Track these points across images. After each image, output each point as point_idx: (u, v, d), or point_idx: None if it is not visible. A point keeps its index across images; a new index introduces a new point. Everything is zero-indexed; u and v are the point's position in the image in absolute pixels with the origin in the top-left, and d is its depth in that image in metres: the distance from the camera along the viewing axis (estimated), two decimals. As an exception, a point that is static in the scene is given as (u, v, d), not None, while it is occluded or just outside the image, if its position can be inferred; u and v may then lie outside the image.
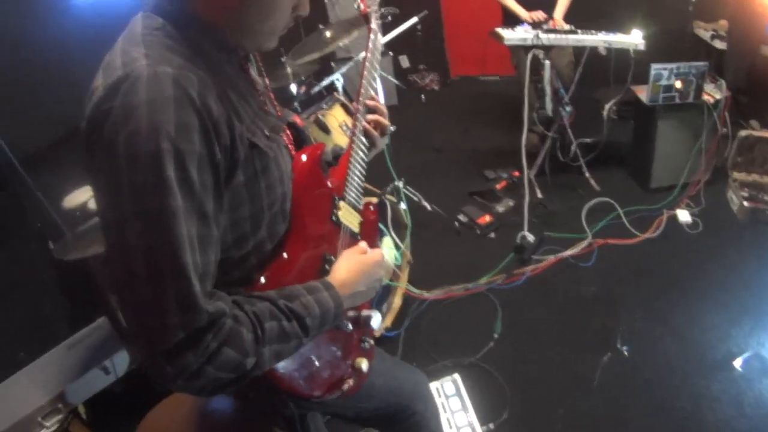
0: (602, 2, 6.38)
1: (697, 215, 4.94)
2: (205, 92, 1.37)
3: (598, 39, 4.99)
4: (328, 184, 1.92)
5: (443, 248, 5.11)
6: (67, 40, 3.57)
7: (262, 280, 1.64)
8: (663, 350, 3.78)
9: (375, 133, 2.16)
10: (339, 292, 1.69)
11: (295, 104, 4.94)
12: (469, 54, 8.40)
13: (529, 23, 5.23)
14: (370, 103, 2.17)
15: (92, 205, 3.65)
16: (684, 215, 4.94)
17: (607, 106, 5.57)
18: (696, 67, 4.81)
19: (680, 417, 3.35)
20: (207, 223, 1.38)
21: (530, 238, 4.81)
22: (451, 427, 3.45)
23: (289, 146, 1.85)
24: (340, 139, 4.42)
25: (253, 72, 1.81)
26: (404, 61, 8.76)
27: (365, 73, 2.21)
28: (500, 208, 5.43)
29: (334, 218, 1.92)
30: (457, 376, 3.74)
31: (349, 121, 4.47)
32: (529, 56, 5.00)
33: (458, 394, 3.63)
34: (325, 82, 5.05)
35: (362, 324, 2.02)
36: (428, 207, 5.21)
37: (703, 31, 6.07)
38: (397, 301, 4.18)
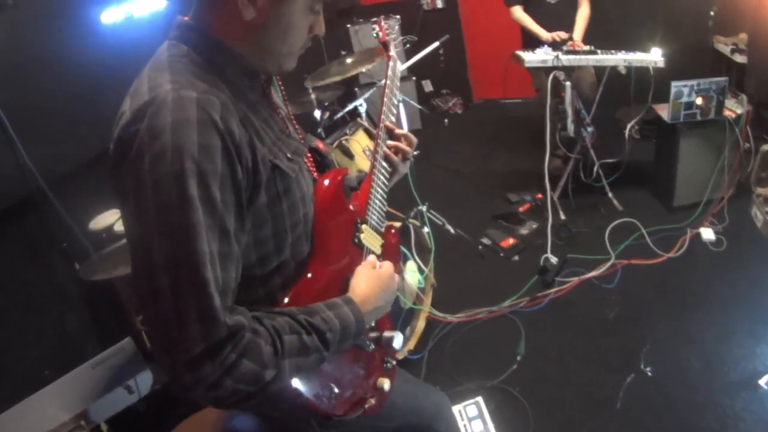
0: (621, 22, 6.37)
1: (720, 233, 4.91)
2: (228, 116, 1.43)
3: (618, 58, 5.01)
4: (351, 207, 1.97)
5: (467, 271, 5.11)
6: (94, 64, 3.63)
7: (286, 300, 1.68)
8: (687, 370, 3.74)
9: (395, 159, 2.21)
10: (360, 308, 1.72)
11: (319, 130, 4.97)
12: (492, 77, 8.39)
13: (550, 44, 5.24)
14: (389, 125, 2.22)
15: (118, 227, 3.70)
16: (708, 233, 4.90)
17: (628, 126, 5.54)
18: (716, 83, 4.80)
19: (705, 437, 3.31)
20: (228, 241, 1.43)
21: (553, 260, 4.81)
22: None
23: (312, 170, 1.90)
24: (364, 164, 4.45)
25: (276, 98, 1.85)
26: (427, 86, 8.80)
27: (385, 99, 2.28)
28: (524, 231, 5.43)
29: (356, 241, 1.96)
30: (479, 399, 3.73)
31: (372, 146, 4.49)
32: (550, 78, 5.01)
33: (481, 416, 3.62)
34: (349, 107, 5.08)
35: (384, 344, 2.04)
36: (452, 230, 5.20)
37: (723, 46, 6.03)
38: (420, 324, 4.19)
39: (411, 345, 4.08)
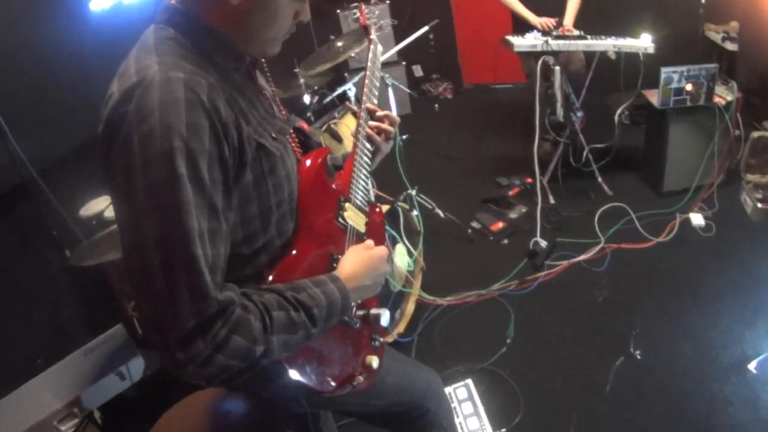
0: (611, 7, 6.37)
1: (710, 218, 4.92)
2: (215, 96, 1.46)
3: (608, 44, 5.01)
4: (333, 186, 2.01)
5: (456, 255, 5.12)
6: (83, 52, 3.63)
7: (272, 277, 1.70)
8: (676, 353, 3.76)
9: (378, 139, 2.26)
10: (345, 285, 1.75)
11: (309, 114, 4.96)
12: (482, 62, 8.39)
13: (539, 30, 5.25)
14: (370, 107, 2.28)
15: (108, 213, 3.70)
16: (697, 218, 4.92)
17: (618, 111, 5.55)
18: (706, 69, 4.81)
19: (694, 420, 3.33)
20: (217, 218, 1.46)
21: (543, 243, 4.82)
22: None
23: (296, 149, 1.94)
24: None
25: (261, 80, 1.89)
26: (417, 71, 8.79)
27: (366, 81, 2.36)
28: (513, 215, 5.44)
29: (340, 219, 2.00)
30: (469, 381, 3.75)
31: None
32: (540, 62, 5.02)
33: (471, 398, 3.64)
34: (338, 91, 5.08)
35: (372, 322, 2.07)
36: (441, 214, 5.22)
37: (714, 34, 6.04)
38: (410, 308, 4.21)
39: (401, 328, 4.09)
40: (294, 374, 1.71)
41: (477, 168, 6.50)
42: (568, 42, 5.04)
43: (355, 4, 2.92)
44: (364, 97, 2.31)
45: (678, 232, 4.85)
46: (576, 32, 5.21)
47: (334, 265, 1.89)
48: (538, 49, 5.02)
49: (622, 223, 5.02)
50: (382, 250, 1.99)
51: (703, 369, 3.62)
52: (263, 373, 1.63)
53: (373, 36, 2.59)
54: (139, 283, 1.39)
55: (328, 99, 5.07)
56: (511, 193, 5.78)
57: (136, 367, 3.50)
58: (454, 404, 3.60)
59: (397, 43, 5.65)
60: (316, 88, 5.48)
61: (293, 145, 1.95)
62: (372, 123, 2.27)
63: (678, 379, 3.58)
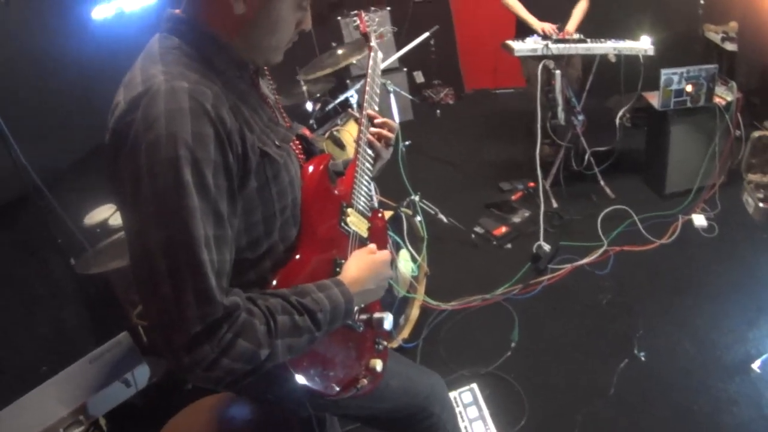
0: (611, 10, 6.36)
1: (712, 219, 4.93)
2: (219, 105, 1.48)
3: (608, 47, 5.03)
4: (336, 192, 2.04)
5: (460, 260, 5.12)
6: (86, 61, 3.66)
7: (276, 281, 1.72)
8: (680, 354, 3.77)
9: (378, 145, 2.28)
10: (349, 289, 1.77)
11: (311, 121, 4.98)
12: (483, 67, 8.44)
13: (540, 35, 5.25)
14: (371, 113, 2.31)
15: (112, 222, 3.73)
16: (699, 219, 4.93)
17: (619, 114, 5.56)
18: (706, 70, 4.82)
19: (698, 421, 3.33)
20: (222, 225, 1.49)
21: (546, 247, 4.83)
22: None
23: (299, 156, 1.96)
24: (355, 153, 4.48)
25: (264, 88, 1.90)
26: (419, 77, 8.81)
27: (367, 88, 2.39)
28: (516, 219, 5.44)
29: (343, 224, 2.02)
30: (474, 385, 3.75)
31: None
32: (540, 66, 5.03)
33: (476, 402, 3.64)
34: (340, 98, 5.09)
35: (375, 326, 2.09)
36: (445, 220, 5.23)
37: (714, 34, 6.04)
38: (414, 313, 4.21)
39: (405, 333, 4.10)
40: (299, 377, 1.72)
41: (479, 173, 6.52)
42: (568, 46, 5.05)
43: (355, 11, 2.95)
44: (365, 104, 2.34)
45: (680, 233, 4.86)
46: (576, 36, 5.22)
47: (338, 269, 1.92)
48: (539, 53, 5.03)
49: (624, 225, 5.03)
50: (385, 254, 2.01)
51: (707, 369, 3.63)
52: (268, 376, 1.64)
53: (373, 43, 2.63)
54: (147, 288, 1.41)
55: (331, 106, 5.08)
56: (513, 197, 5.80)
57: (142, 375, 3.52)
58: (459, 408, 3.60)
59: (398, 49, 5.66)
60: (318, 95, 5.50)
61: (296, 151, 1.97)
62: (373, 129, 2.30)
63: (682, 380, 3.59)
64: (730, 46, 5.78)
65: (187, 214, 1.39)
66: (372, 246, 2.05)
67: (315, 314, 1.63)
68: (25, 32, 3.60)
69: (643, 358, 3.77)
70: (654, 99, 5.10)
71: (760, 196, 4.81)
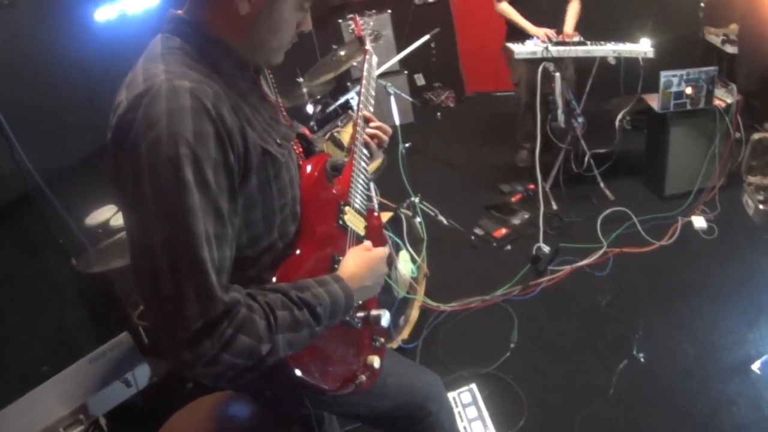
0: (611, 12, 6.39)
1: (712, 221, 4.93)
2: (220, 104, 1.50)
3: (607, 49, 5.05)
4: (334, 191, 2.07)
5: (460, 261, 5.13)
6: (88, 62, 3.68)
7: (275, 278, 1.75)
8: (680, 355, 3.77)
9: (374, 146, 2.35)
10: (349, 285, 1.79)
11: (312, 123, 4.99)
12: (484, 70, 8.39)
13: (541, 40, 5.26)
14: (367, 115, 2.38)
15: (114, 222, 3.74)
16: (699, 221, 4.93)
17: (619, 116, 5.57)
18: (705, 72, 4.83)
19: (698, 422, 3.34)
20: (222, 222, 1.50)
21: (546, 249, 4.84)
22: None
23: (299, 154, 2.00)
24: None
25: (265, 87, 1.93)
26: (419, 80, 8.80)
27: (362, 90, 2.46)
28: (516, 221, 5.44)
29: (340, 222, 2.05)
30: (473, 386, 3.77)
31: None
32: (540, 69, 5.04)
33: (475, 403, 3.65)
34: (340, 101, 5.10)
35: (372, 323, 2.12)
36: (444, 221, 5.24)
37: (714, 37, 6.06)
38: (414, 314, 4.22)
39: (405, 334, 4.11)
40: (297, 373, 1.74)
41: (479, 175, 6.52)
42: (567, 48, 5.07)
43: (351, 15, 3.00)
44: (360, 105, 2.40)
45: (680, 235, 4.87)
46: (576, 38, 5.24)
47: (336, 266, 1.93)
48: (538, 55, 5.04)
49: (624, 227, 5.03)
50: (381, 251, 2.03)
51: (707, 370, 3.63)
52: (268, 372, 1.64)
53: (368, 47, 2.69)
54: (147, 286, 1.43)
55: (331, 108, 5.09)
56: (513, 199, 5.80)
57: (142, 375, 3.54)
58: (459, 409, 3.61)
59: (399, 52, 5.67)
60: (318, 97, 5.51)
61: (296, 150, 2.00)
62: (368, 131, 2.36)
63: (682, 381, 3.59)
64: (730, 49, 5.80)
65: (187, 211, 1.40)
66: (368, 243, 2.07)
67: (315, 309, 1.64)
68: (28, 33, 3.62)
69: (642, 359, 3.78)
70: (654, 101, 5.10)
71: (761, 198, 4.82)
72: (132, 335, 3.73)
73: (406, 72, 8.15)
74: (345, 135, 4.55)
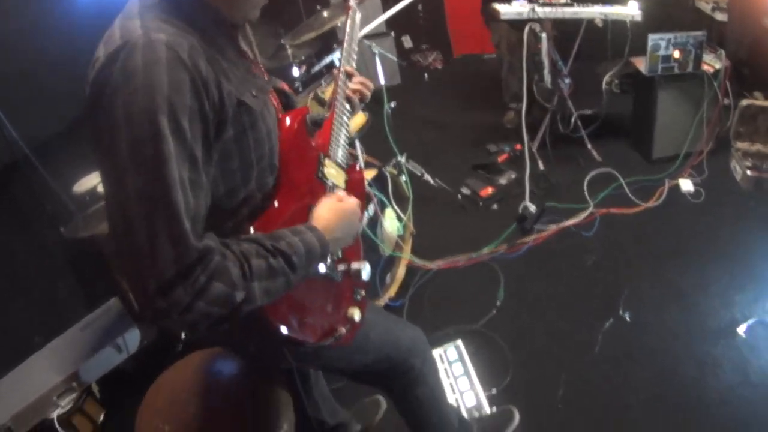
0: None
1: (699, 185, 4.93)
2: (195, 54, 1.50)
3: (594, 11, 5.01)
4: (313, 143, 2.08)
5: (446, 220, 5.15)
6: (71, 31, 3.64)
7: (252, 230, 1.74)
8: (666, 316, 3.79)
9: (356, 100, 2.41)
10: (323, 234, 1.79)
11: (297, 84, 4.97)
12: (471, 32, 8.37)
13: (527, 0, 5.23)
14: (349, 69, 2.41)
15: (101, 189, 3.72)
16: (686, 184, 4.94)
17: (605, 77, 5.57)
18: (694, 37, 4.80)
19: (683, 383, 3.37)
20: (197, 170, 1.50)
21: (532, 208, 4.84)
22: (454, 392, 3.50)
23: (277, 107, 2.00)
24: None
25: (243, 43, 1.92)
26: (407, 42, 8.78)
27: (345, 45, 2.49)
28: (502, 181, 5.42)
29: (320, 174, 2.05)
30: (459, 342, 3.79)
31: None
32: (526, 30, 5.01)
33: (461, 359, 3.68)
34: (325, 60, 5.08)
35: (353, 275, 2.13)
36: (431, 181, 5.24)
37: (704, 4, 6.03)
38: (400, 272, 4.24)
39: (391, 292, 4.12)
40: (276, 325, 1.76)
41: (466, 136, 6.51)
42: (554, 9, 5.03)
43: None
44: (342, 60, 2.42)
45: (667, 197, 4.87)
46: (562, 0, 5.21)
47: None
48: (525, 16, 4.99)
49: (611, 188, 5.03)
50: (354, 201, 2.02)
51: (693, 332, 3.65)
52: (247, 324, 1.66)
53: (352, 3, 2.66)
54: (122, 237, 1.43)
55: (316, 68, 5.08)
56: (500, 159, 5.79)
57: (132, 339, 3.57)
58: (445, 365, 3.64)
59: (385, 11, 5.63)
60: (303, 58, 5.50)
61: (274, 102, 2.00)
62: (351, 85, 2.39)
63: (667, 342, 3.62)
64: (720, 16, 5.77)
65: (162, 158, 1.40)
66: (341, 193, 2.06)
67: (290, 257, 1.64)
68: (10, 3, 3.62)
69: (628, 319, 3.80)
70: (641, 64, 5.10)
71: (748, 164, 4.81)
72: (121, 300, 3.74)
73: (393, 34, 8.10)
74: (328, 93, 4.54)
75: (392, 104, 4.73)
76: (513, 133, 5.89)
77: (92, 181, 3.75)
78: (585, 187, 5.05)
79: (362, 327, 2.17)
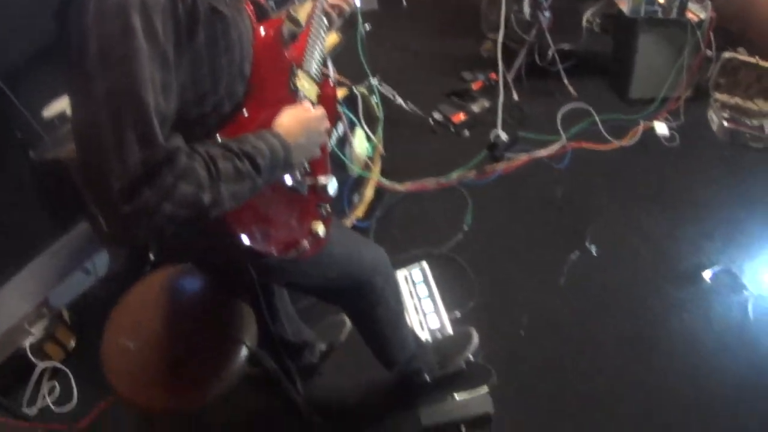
0: None
1: (675, 129, 4.90)
2: None
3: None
4: (287, 54, 2.10)
5: (417, 144, 5.10)
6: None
7: (220, 137, 1.77)
8: (632, 254, 3.82)
9: (334, 15, 2.49)
10: (287, 139, 1.83)
11: (270, 2, 4.87)
12: (452, -40, 8.30)
13: None
14: None
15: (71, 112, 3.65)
16: (661, 127, 4.91)
17: (586, 14, 5.52)
18: (681, -17, 4.74)
19: (646, 323, 3.41)
20: (168, 70, 1.49)
21: (504, 136, 4.78)
22: (417, 313, 3.53)
23: (252, 17, 1.97)
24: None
25: None
26: (385, -34, 8.64)
27: None
28: (476, 108, 5.37)
29: (291, 85, 2.08)
30: (425, 263, 3.81)
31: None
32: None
33: (426, 281, 3.69)
34: (300, -20, 4.99)
35: (319, 190, 2.16)
36: (403, 104, 5.17)
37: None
38: (369, 193, 4.23)
39: (359, 212, 4.12)
40: (239, 234, 1.80)
41: (442, 63, 6.40)
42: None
43: None
44: None
45: (641, 138, 4.84)
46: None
47: None
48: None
49: (585, 123, 5.00)
50: (320, 111, 2.03)
51: (659, 272, 3.69)
52: (210, 234, 1.76)
53: None
54: (87, 142, 1.41)
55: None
56: (474, 86, 5.71)
57: (101, 262, 3.71)
58: (410, 286, 3.67)
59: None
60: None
61: (248, 11, 1.97)
62: (331, 1, 2.46)
63: (633, 279, 3.66)
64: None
65: (133, 56, 1.38)
66: (308, 105, 2.05)
67: (255, 159, 1.67)
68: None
69: (594, 253, 3.81)
70: (624, 4, 5.04)
71: (725, 115, 4.80)
72: (90, 223, 3.70)
73: (371, -42, 7.97)
74: (302, 12, 4.44)
75: (366, 26, 4.64)
76: (490, 63, 5.79)
77: (62, 104, 3.69)
78: (558, 120, 5.01)
79: (326, 243, 2.20)
